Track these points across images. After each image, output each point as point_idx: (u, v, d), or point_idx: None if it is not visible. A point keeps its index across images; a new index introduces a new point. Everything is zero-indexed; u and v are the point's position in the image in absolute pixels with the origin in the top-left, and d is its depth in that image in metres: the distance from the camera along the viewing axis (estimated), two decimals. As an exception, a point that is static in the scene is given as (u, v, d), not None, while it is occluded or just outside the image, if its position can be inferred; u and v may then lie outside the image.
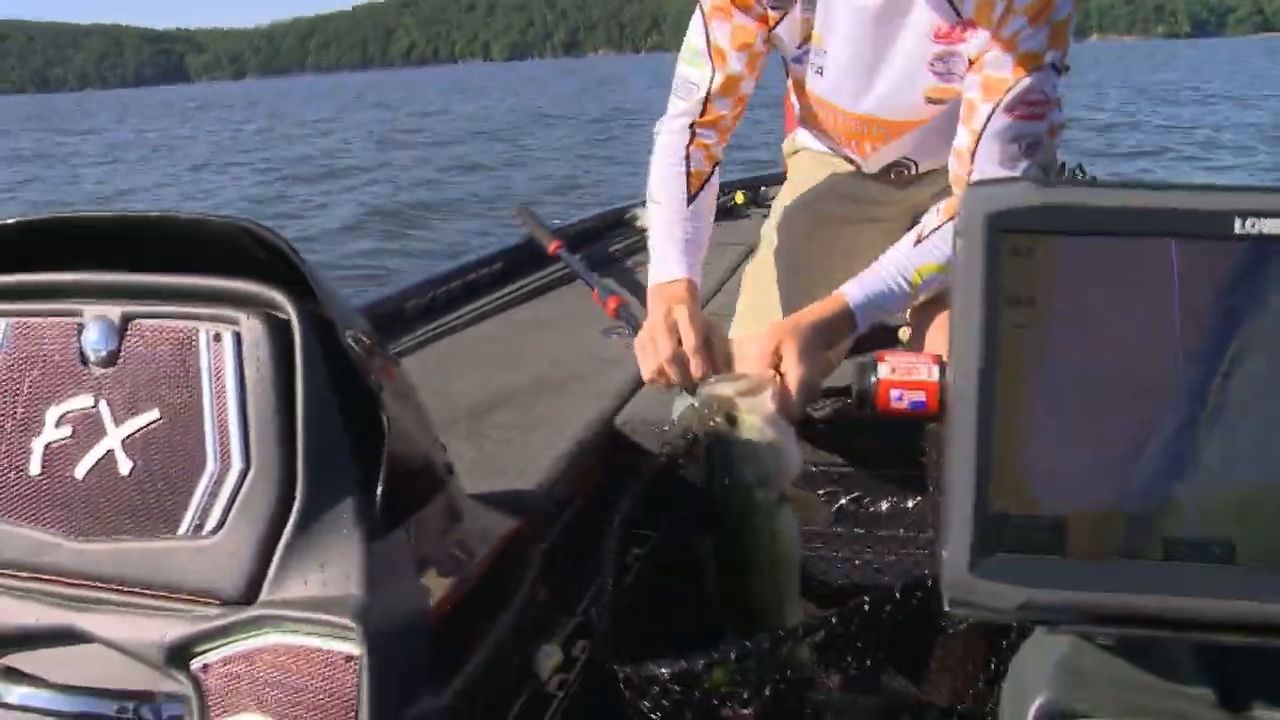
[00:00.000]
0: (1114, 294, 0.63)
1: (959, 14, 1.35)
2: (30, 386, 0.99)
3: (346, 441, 0.94)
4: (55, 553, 0.97)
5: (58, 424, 0.99)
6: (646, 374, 1.37)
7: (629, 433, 1.70)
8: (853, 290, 1.38)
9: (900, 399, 0.68)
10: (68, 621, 0.96)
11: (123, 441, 0.97)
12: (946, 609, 0.67)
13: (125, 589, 0.96)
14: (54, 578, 0.98)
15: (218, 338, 0.95)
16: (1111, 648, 0.73)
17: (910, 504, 1.51)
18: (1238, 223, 0.61)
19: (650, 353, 1.35)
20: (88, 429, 0.98)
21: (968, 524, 0.64)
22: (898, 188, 1.72)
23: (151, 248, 0.99)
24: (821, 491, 1.56)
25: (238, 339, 0.95)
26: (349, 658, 0.89)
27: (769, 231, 1.77)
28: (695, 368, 1.31)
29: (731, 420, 1.19)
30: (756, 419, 1.19)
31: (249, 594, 0.93)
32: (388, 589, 0.92)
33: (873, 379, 0.70)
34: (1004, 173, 1.37)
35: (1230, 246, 0.61)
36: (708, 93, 1.55)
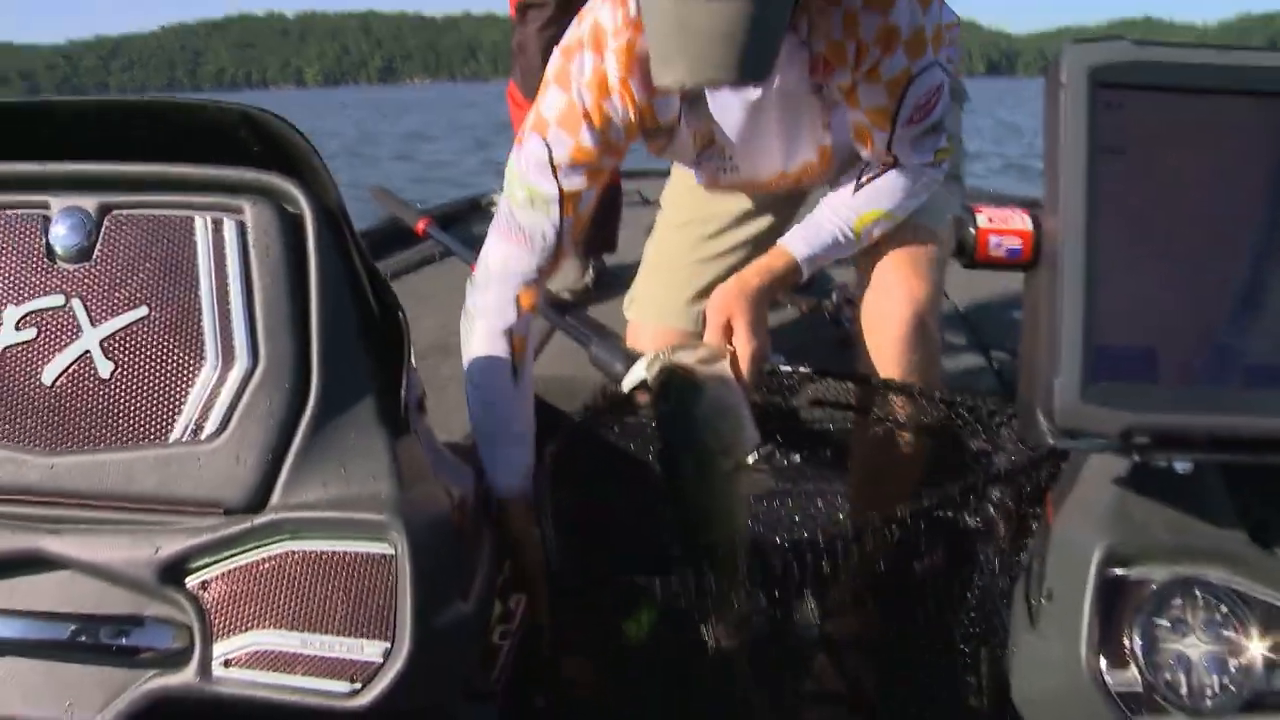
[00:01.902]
0: (1194, 146, 0.70)
1: (812, 50, 1.37)
2: (-20, 288, 0.89)
3: (364, 339, 0.90)
4: (19, 469, 0.87)
5: (19, 326, 0.88)
6: None
7: (539, 390, 1.69)
8: (797, 244, 1.40)
9: (999, 246, 0.72)
10: (33, 545, 0.85)
11: (101, 342, 0.88)
12: (1051, 442, 0.70)
13: (108, 504, 0.86)
14: (18, 497, 0.87)
15: (218, 226, 0.88)
16: (1155, 497, 0.79)
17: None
18: (1304, 79, 0.69)
19: None
20: (57, 331, 0.88)
21: (1077, 355, 0.68)
22: None
23: (138, 138, 0.91)
24: None
25: (241, 228, 0.88)
26: (381, 558, 0.83)
27: (672, 213, 1.78)
28: None
29: (695, 389, 1.20)
30: (720, 389, 1.21)
31: (256, 501, 0.86)
32: (415, 489, 0.88)
33: (972, 230, 0.73)
34: (920, 159, 1.44)
35: (1297, 103, 0.69)
36: (558, 238, 1.37)
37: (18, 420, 0.88)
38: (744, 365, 1.30)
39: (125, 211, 0.89)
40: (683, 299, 1.66)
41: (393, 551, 0.83)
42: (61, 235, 0.89)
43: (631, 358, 1.47)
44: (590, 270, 2.63)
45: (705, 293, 1.60)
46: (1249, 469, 0.76)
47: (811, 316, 2.20)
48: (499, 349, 1.36)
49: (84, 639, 0.85)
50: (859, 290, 1.50)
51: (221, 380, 0.87)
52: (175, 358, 0.87)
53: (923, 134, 1.42)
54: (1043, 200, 0.72)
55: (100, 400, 0.87)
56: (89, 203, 0.90)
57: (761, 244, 1.55)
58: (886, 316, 1.41)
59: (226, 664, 0.83)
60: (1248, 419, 0.69)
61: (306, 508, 0.85)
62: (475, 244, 2.77)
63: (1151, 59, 0.68)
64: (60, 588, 0.86)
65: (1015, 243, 0.72)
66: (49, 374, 0.88)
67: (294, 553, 0.84)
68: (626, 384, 1.36)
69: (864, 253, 1.46)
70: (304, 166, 0.90)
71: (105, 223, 0.89)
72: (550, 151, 1.32)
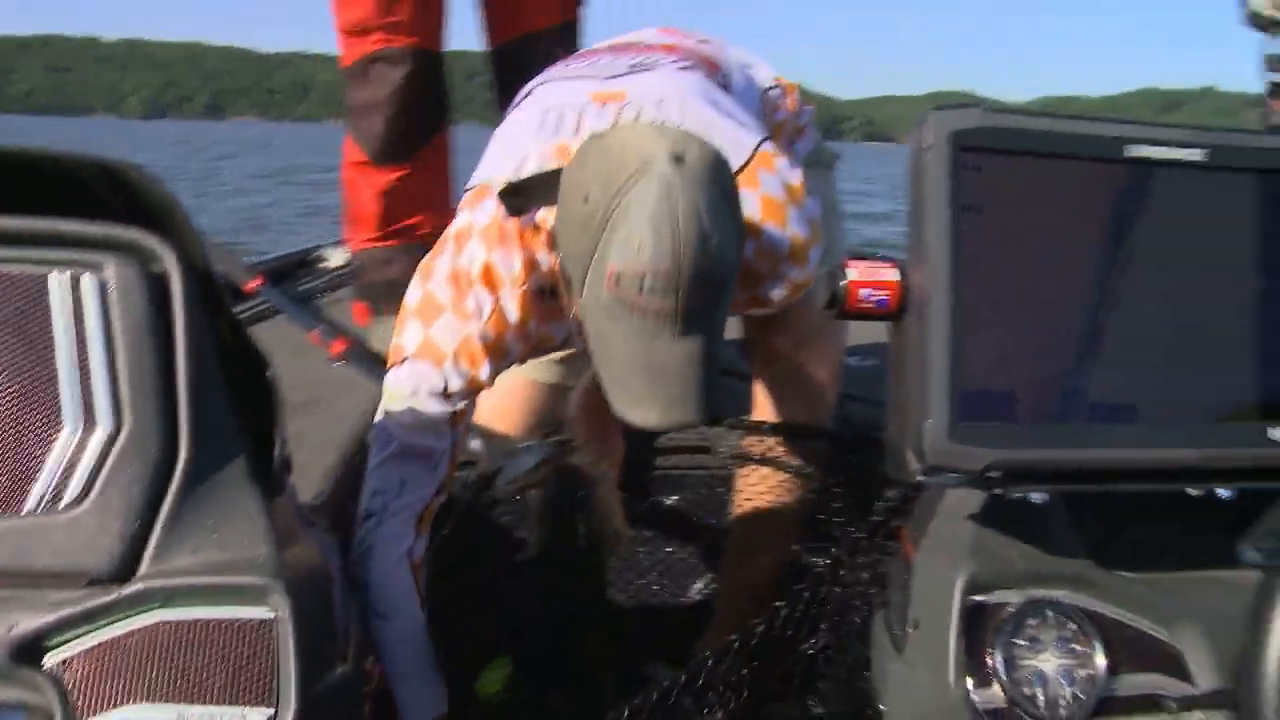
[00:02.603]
0: (1044, 205, 0.77)
1: None
2: None
3: (232, 399, 0.87)
4: None
5: None
6: None
7: None
8: None
9: (869, 298, 0.77)
10: None
11: (-57, 408, 0.82)
12: (921, 478, 0.76)
13: (-51, 580, 0.81)
14: None
15: (75, 283, 0.84)
16: (1009, 528, 0.86)
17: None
18: (1126, 148, 0.77)
19: None
20: (-114, 396, 0.82)
21: (944, 399, 0.74)
22: None
23: None
24: None
25: (102, 286, 0.85)
26: (261, 623, 0.81)
27: None
28: None
29: (588, 494, 1.41)
30: (607, 489, 1.43)
31: (123, 570, 0.82)
32: (291, 550, 0.85)
33: (843, 282, 0.78)
34: None
35: (1122, 168, 0.77)
36: (453, 452, 1.30)
37: None
38: (615, 464, 1.48)
39: (-32, 268, 0.84)
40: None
41: (273, 615, 0.81)
42: (-112, 292, 0.83)
43: (479, 434, 1.52)
44: None
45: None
46: (1091, 499, 0.84)
47: None
48: (404, 578, 1.27)
49: (-76, 728, 0.79)
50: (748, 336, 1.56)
51: (82, 445, 0.82)
52: (29, 423, 0.83)
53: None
54: (907, 255, 0.77)
55: (-58, 470, 0.81)
56: (-76, 258, 0.84)
57: None
58: (790, 411, 1.50)
59: (93, 745, 0.79)
60: (1091, 452, 0.77)
61: (179, 574, 0.82)
62: (307, 302, 2.73)
63: (1006, 125, 0.75)
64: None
65: (884, 294, 0.77)
66: (-121, 445, 0.81)
67: (166, 623, 0.81)
68: (510, 474, 1.40)
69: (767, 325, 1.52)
70: (168, 222, 0.87)
71: (-55, 279, 0.84)
72: (447, 383, 1.27)
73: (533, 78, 1.48)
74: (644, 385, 1.06)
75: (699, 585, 1.73)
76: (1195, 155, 0.77)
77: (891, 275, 0.77)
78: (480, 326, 1.26)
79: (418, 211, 2.26)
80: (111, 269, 0.85)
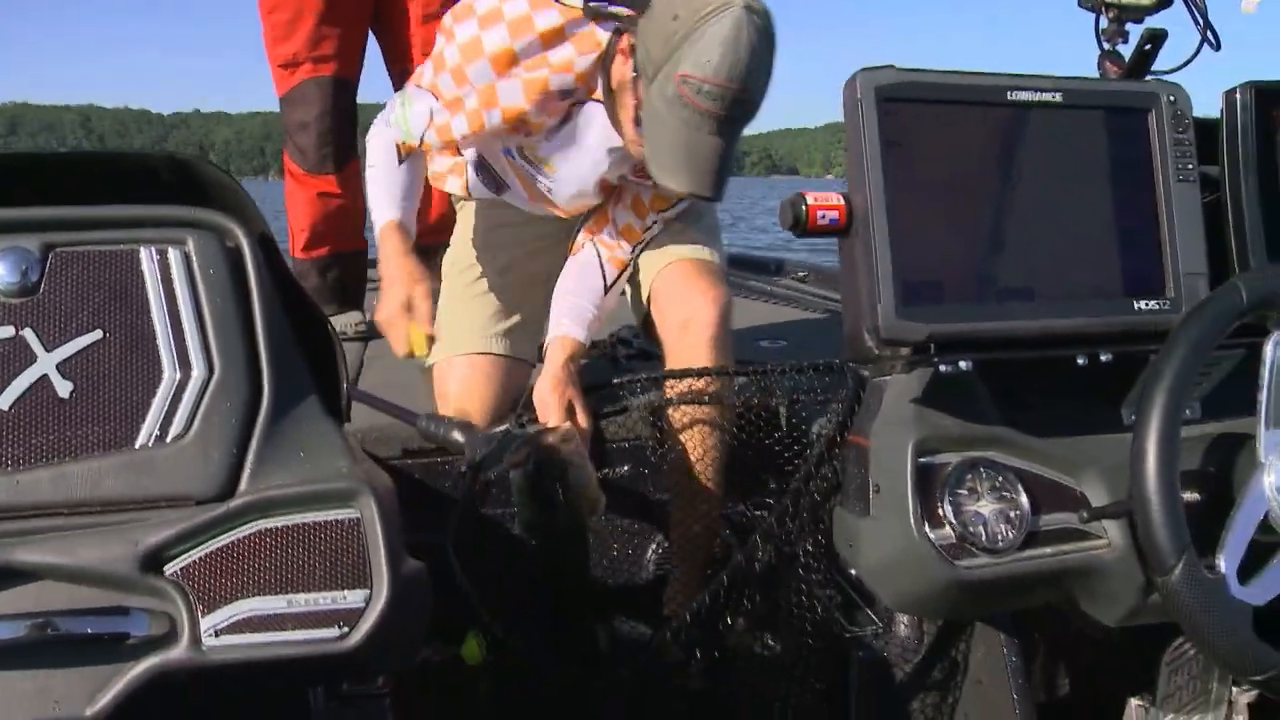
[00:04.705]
0: (947, 137, 1.00)
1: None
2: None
3: (302, 344, 1.03)
4: (-18, 489, 0.93)
5: (-34, 360, 0.95)
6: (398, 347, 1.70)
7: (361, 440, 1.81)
8: (576, 329, 1.74)
9: (824, 218, 0.99)
10: (3, 558, 0.92)
11: (58, 366, 0.96)
12: (877, 353, 0.97)
13: (78, 511, 0.94)
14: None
15: (163, 256, 1.00)
16: (943, 407, 1.08)
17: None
18: (1008, 93, 1.01)
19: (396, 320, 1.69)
20: (9, 359, 0.96)
21: (891, 287, 0.95)
22: None
23: (65, 185, 1.01)
24: None
25: (186, 256, 1.00)
26: (351, 521, 0.96)
27: (458, 261, 1.98)
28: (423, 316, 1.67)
29: (566, 466, 1.50)
30: (583, 464, 1.53)
31: (226, 490, 0.96)
32: (363, 465, 1.01)
33: (804, 206, 0.99)
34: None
35: (1007, 109, 1.01)
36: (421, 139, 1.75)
37: (-21, 444, 0.94)
38: (584, 436, 1.63)
39: (68, 249, 0.99)
40: (483, 327, 1.86)
41: (359, 514, 0.96)
42: (2, 273, 0.97)
43: (459, 425, 1.66)
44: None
45: (503, 315, 1.84)
46: (1008, 379, 1.06)
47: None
48: (389, 144, 1.78)
49: (66, 632, 0.91)
50: (648, 309, 1.77)
51: (181, 388, 0.97)
52: (134, 372, 0.97)
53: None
54: (848, 183, 0.99)
55: (61, 417, 0.95)
56: (30, 243, 0.98)
57: (537, 275, 1.88)
58: (694, 322, 1.67)
59: (217, 634, 0.93)
60: (1001, 324, 0.99)
61: (273, 489, 0.97)
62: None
63: (916, 80, 0.98)
64: (36, 596, 0.92)
65: (834, 214, 0.99)
66: (5, 400, 0.95)
67: (268, 529, 0.96)
68: (494, 459, 1.57)
69: (650, 279, 1.76)
70: (234, 202, 1.04)
71: (50, 259, 0.98)
72: (432, 114, 1.68)
73: None
74: (681, 161, 1.40)
75: (653, 547, 1.89)
76: (1056, 97, 1.02)
77: (838, 200, 0.99)
78: (473, 96, 1.62)
79: (336, 224, 2.57)
80: (193, 243, 1.01)
